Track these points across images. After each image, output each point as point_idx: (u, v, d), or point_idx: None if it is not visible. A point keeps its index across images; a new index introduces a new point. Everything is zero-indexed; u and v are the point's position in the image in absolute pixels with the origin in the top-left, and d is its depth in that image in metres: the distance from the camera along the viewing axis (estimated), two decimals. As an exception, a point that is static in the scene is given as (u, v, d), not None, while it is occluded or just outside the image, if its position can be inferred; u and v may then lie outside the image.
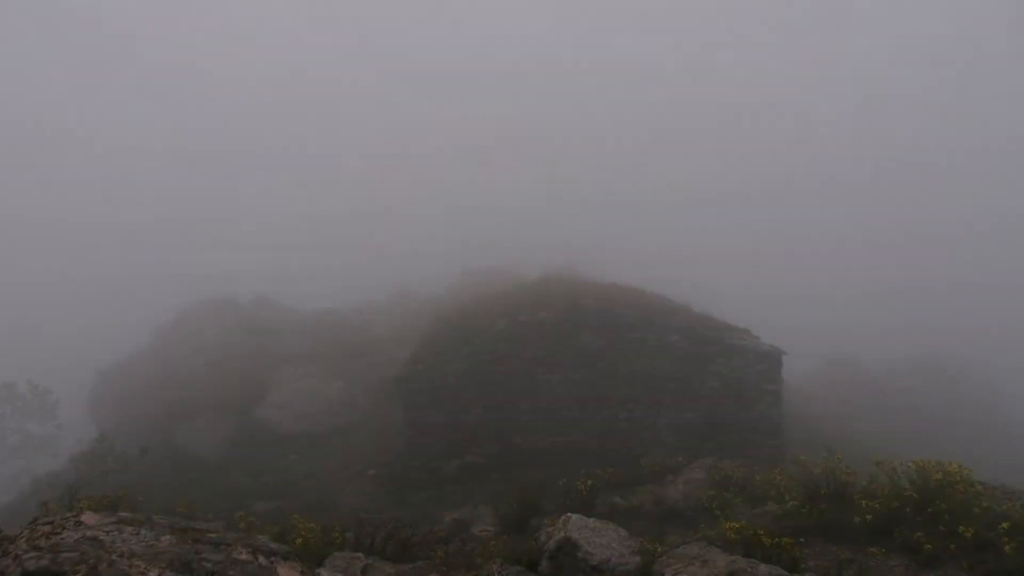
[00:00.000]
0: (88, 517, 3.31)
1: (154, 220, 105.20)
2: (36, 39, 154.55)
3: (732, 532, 6.77)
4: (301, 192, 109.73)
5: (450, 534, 12.52)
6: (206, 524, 3.90)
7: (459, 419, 19.00)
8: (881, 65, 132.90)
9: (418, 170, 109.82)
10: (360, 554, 6.82)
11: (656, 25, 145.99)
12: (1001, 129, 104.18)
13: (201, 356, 33.08)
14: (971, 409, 37.62)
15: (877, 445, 20.65)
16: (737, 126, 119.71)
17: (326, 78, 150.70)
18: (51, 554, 2.93)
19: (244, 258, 74.96)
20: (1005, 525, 6.57)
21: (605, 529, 5.34)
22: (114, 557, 2.97)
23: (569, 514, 5.53)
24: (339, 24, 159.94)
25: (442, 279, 40.02)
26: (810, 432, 22.38)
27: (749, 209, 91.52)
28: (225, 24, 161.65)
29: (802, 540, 7.15)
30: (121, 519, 3.38)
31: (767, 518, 8.78)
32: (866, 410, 33.22)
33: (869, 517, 7.14)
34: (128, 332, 39.51)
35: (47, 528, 3.18)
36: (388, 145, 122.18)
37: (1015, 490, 8.52)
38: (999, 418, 38.66)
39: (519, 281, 27.37)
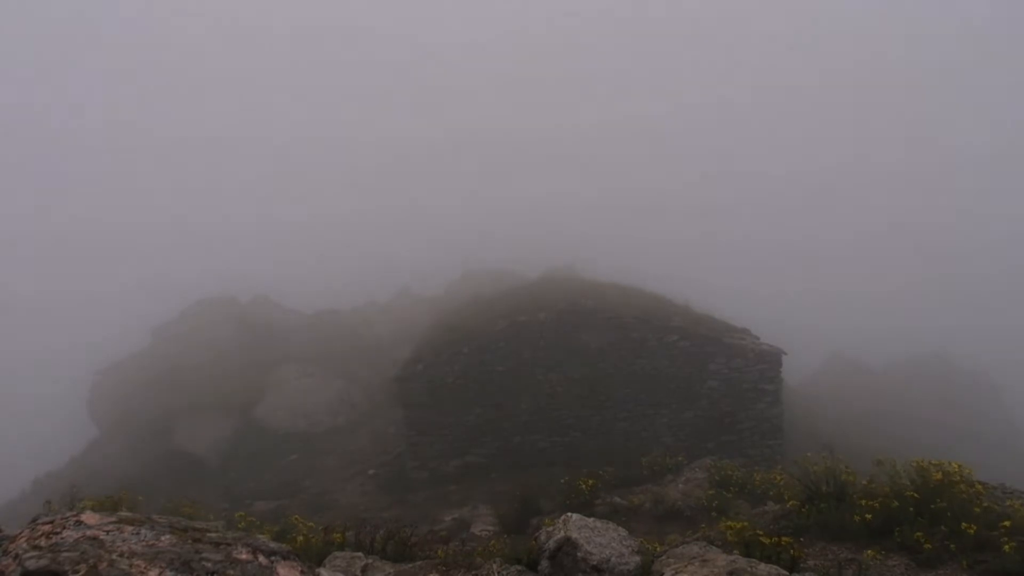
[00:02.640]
0: (88, 517, 3.31)
1: (152, 219, 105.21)
2: (24, 34, 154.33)
3: (732, 532, 6.77)
4: (301, 191, 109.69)
5: (450, 534, 12.53)
6: (206, 524, 3.90)
7: (459, 419, 19.00)
8: (882, 62, 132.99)
9: (419, 169, 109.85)
10: (360, 554, 6.82)
11: (657, 32, 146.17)
12: (1001, 126, 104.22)
13: (201, 356, 33.07)
14: (972, 409, 37.63)
15: (877, 445, 20.66)
16: (738, 126, 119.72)
17: (326, 76, 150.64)
18: (51, 553, 2.93)
19: (244, 258, 74.99)
20: (1006, 524, 6.57)
21: (605, 529, 5.34)
22: (114, 556, 2.97)
23: (569, 514, 5.52)
24: (341, 22, 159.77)
25: (442, 279, 40.05)
26: (810, 432, 22.38)
27: (749, 209, 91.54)
28: (221, 19, 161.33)
29: (802, 540, 7.16)
30: (121, 519, 3.38)
31: (767, 518, 8.78)
32: (866, 410, 33.22)
33: (869, 517, 7.14)
34: (128, 332, 39.50)
35: (47, 527, 3.18)
36: (389, 144, 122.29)
37: (1015, 490, 8.52)
38: (1000, 418, 38.67)
39: (519, 281, 27.38)
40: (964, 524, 6.60)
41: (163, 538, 3.22)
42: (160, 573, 2.92)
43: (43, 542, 3.03)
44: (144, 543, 3.14)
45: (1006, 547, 6.22)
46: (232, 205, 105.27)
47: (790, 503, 8.44)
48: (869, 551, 6.75)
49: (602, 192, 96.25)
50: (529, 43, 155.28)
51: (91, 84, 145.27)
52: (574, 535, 5.08)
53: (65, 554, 2.91)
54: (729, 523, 7.13)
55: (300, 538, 7.55)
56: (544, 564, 5.08)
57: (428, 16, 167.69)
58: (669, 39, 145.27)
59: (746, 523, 7.17)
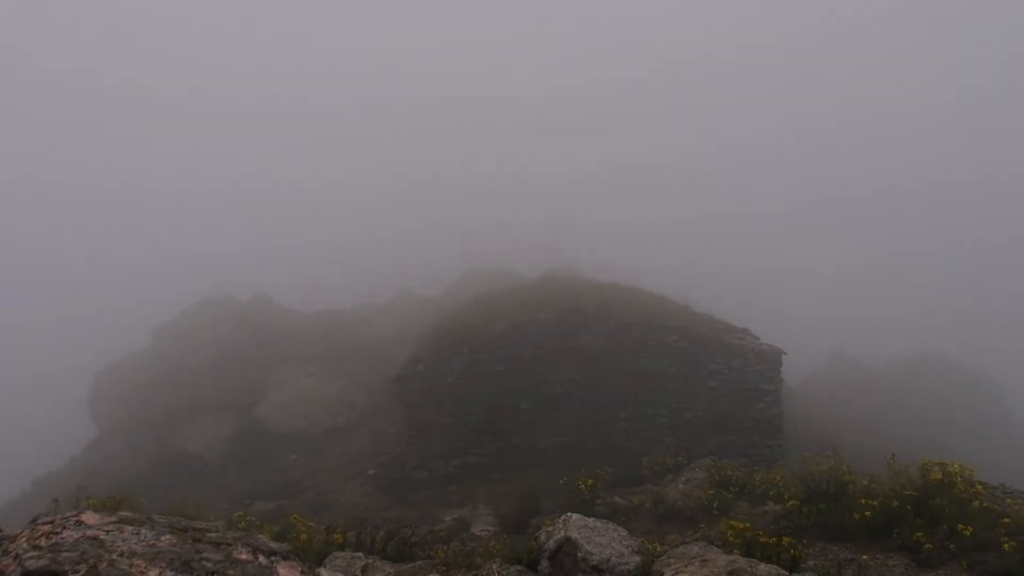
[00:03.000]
0: (88, 517, 3.31)
1: (153, 219, 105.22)
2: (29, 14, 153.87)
3: (732, 532, 6.78)
4: (302, 190, 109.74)
5: (450, 534, 12.53)
6: (206, 524, 3.90)
7: (459, 419, 18.99)
8: (877, 59, 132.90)
9: (419, 168, 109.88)
10: (360, 554, 6.82)
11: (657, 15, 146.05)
12: (1001, 125, 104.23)
13: (201, 356, 33.07)
14: (971, 409, 37.63)
15: (877, 445, 20.65)
16: (737, 123, 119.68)
17: (325, 75, 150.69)
18: (51, 553, 2.93)
19: (244, 256, 74.99)
20: (1007, 521, 6.58)
21: (605, 529, 5.34)
22: (114, 556, 2.97)
23: (569, 514, 5.52)
24: (342, 21, 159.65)
25: (442, 279, 40.06)
26: (810, 432, 22.39)
27: (750, 208, 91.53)
28: (226, 12, 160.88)
29: (802, 540, 7.16)
30: (121, 519, 3.38)
31: (767, 518, 8.79)
32: (867, 410, 33.21)
33: (869, 515, 7.14)
34: (127, 332, 39.50)
35: (47, 527, 3.18)
36: (388, 142, 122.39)
37: (1015, 490, 8.52)
38: (1000, 418, 38.67)
39: (519, 281, 27.40)
40: (960, 526, 6.60)
41: (163, 538, 3.22)
42: (160, 573, 2.92)
43: (43, 542, 3.03)
44: (144, 543, 3.14)
45: (1006, 547, 6.22)
46: (232, 204, 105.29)
47: (790, 503, 8.45)
48: (868, 553, 6.75)
49: (599, 172, 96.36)
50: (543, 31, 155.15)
51: (85, 76, 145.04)
52: (574, 535, 5.08)
53: (65, 554, 2.91)
54: (729, 523, 7.13)
55: (301, 538, 7.55)
56: (544, 564, 5.08)
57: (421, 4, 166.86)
58: (657, 22, 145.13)
59: (746, 523, 7.17)
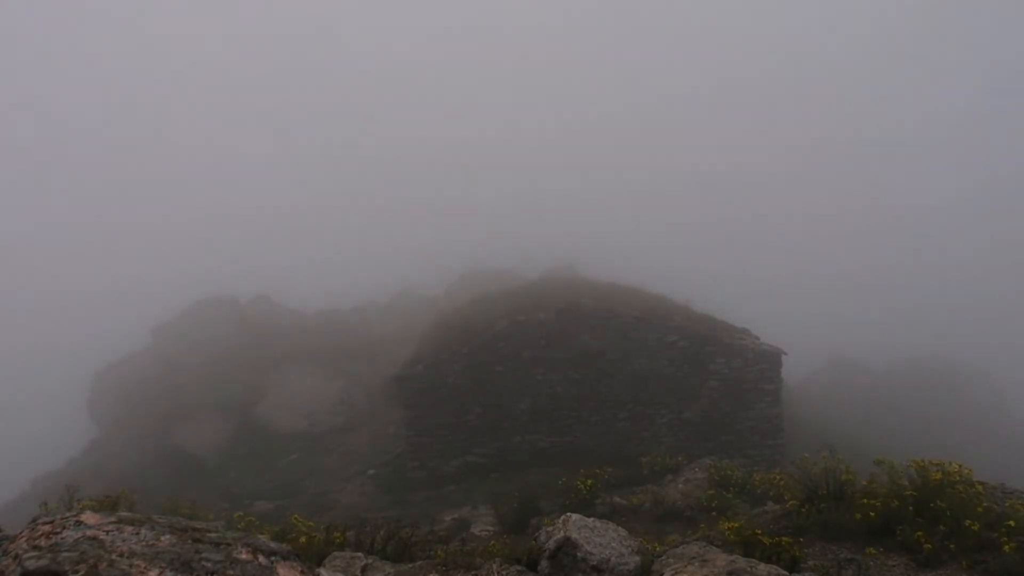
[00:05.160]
0: (88, 517, 3.31)
1: (153, 219, 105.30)
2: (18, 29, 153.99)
3: (732, 532, 6.78)
4: (301, 191, 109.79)
5: (450, 534, 12.53)
6: (206, 524, 3.90)
7: (459, 419, 19.00)
8: (874, 55, 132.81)
9: (419, 169, 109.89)
10: (360, 554, 6.82)
11: (650, 25, 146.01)
12: (1000, 124, 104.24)
13: (201, 356, 33.08)
14: (972, 409, 37.63)
15: (877, 445, 20.67)
16: (736, 122, 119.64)
17: (326, 75, 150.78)
18: (51, 554, 2.93)
19: (244, 257, 74.99)
20: (1010, 523, 6.57)
21: (605, 529, 5.34)
22: (114, 557, 2.97)
23: (569, 514, 5.52)
24: (335, 21, 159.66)
25: (442, 279, 40.06)
26: (810, 432, 22.39)
27: (749, 207, 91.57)
28: (216, 15, 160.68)
29: (802, 540, 7.16)
30: (121, 519, 3.38)
31: (767, 518, 8.78)
32: (866, 410, 33.22)
33: (872, 515, 7.14)
34: (128, 332, 39.49)
35: (47, 528, 3.18)
36: (389, 144, 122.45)
37: (1015, 490, 8.51)
38: (1000, 418, 38.65)
39: (519, 281, 27.40)
40: (968, 522, 6.59)
41: (163, 538, 3.22)
42: (160, 573, 2.92)
43: (43, 542, 3.03)
44: (144, 543, 3.14)
45: (1006, 547, 6.22)
46: (232, 204, 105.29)
47: (790, 503, 8.44)
48: (869, 550, 6.75)
49: (600, 186, 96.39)
50: (525, 37, 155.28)
51: (85, 79, 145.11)
52: (574, 535, 5.07)
53: (65, 554, 2.91)
54: (729, 523, 7.13)
55: (301, 538, 7.55)
56: (544, 564, 5.08)
57: (423, 11, 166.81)
58: (661, 29, 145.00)
59: (746, 523, 7.17)
